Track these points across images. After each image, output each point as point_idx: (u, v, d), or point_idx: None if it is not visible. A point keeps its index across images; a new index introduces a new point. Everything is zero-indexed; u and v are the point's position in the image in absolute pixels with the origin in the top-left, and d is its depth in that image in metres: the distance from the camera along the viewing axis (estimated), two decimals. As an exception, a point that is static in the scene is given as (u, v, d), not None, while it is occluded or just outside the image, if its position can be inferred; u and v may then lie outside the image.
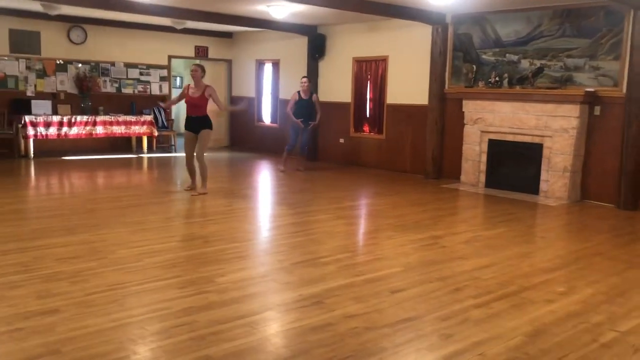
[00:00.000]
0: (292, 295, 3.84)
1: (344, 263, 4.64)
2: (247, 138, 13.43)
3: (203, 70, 7.46)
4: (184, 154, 7.80)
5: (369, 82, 10.76)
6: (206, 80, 7.65)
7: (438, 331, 3.31)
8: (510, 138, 8.35)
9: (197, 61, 13.21)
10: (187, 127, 7.49)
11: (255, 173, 10.23)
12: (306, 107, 9.95)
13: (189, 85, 7.50)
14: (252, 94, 13.20)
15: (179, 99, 7.74)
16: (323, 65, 11.47)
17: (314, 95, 10.09)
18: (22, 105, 10.66)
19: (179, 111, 13.61)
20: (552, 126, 7.82)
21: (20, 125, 10.36)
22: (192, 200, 7.24)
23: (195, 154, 7.48)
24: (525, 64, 8.25)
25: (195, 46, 12.98)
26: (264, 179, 9.74)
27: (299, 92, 10.01)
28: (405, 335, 3.25)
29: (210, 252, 4.88)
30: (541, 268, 4.72)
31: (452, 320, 3.48)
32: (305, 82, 9.94)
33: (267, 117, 13.08)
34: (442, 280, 4.25)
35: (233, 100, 13.61)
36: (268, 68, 12.91)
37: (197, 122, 7.38)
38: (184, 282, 4.04)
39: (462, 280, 4.28)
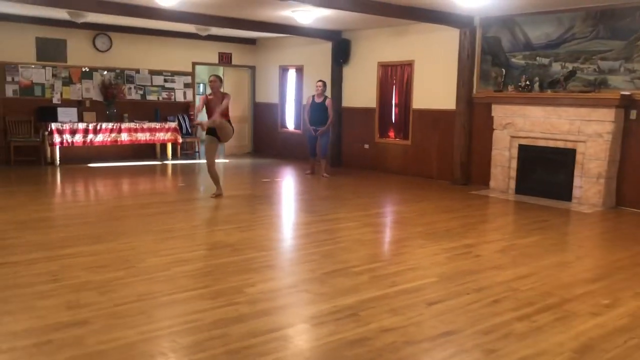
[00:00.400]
0: (326, 307, 3.70)
1: (377, 273, 4.50)
2: (270, 144, 13.37)
3: (221, 80, 8.06)
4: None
5: (394, 87, 10.61)
6: (230, 87, 7.74)
7: (480, 346, 3.16)
8: (541, 143, 8.13)
9: (220, 69, 13.25)
10: (209, 132, 7.70)
11: (279, 179, 10.12)
12: (319, 110, 9.81)
13: (207, 95, 7.72)
14: (275, 100, 13.15)
15: (202, 105, 7.72)
16: (347, 71, 11.36)
17: (328, 100, 9.95)
18: (49, 113, 10.74)
19: (202, 117, 13.58)
20: (586, 131, 7.60)
21: (46, 133, 10.44)
22: (218, 207, 7.17)
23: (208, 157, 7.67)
24: (556, 67, 8.04)
25: (219, 53, 12.95)
26: (289, 185, 9.64)
27: (313, 95, 9.92)
28: (446, 350, 3.10)
29: (239, 260, 4.78)
30: (582, 278, 4.53)
31: (494, 334, 3.32)
32: (320, 86, 9.82)
33: (290, 123, 13.02)
34: (480, 292, 4.09)
35: (256, 106, 13.59)
36: (292, 74, 12.83)
37: None
38: (213, 293, 3.94)
39: (500, 291, 4.12)
